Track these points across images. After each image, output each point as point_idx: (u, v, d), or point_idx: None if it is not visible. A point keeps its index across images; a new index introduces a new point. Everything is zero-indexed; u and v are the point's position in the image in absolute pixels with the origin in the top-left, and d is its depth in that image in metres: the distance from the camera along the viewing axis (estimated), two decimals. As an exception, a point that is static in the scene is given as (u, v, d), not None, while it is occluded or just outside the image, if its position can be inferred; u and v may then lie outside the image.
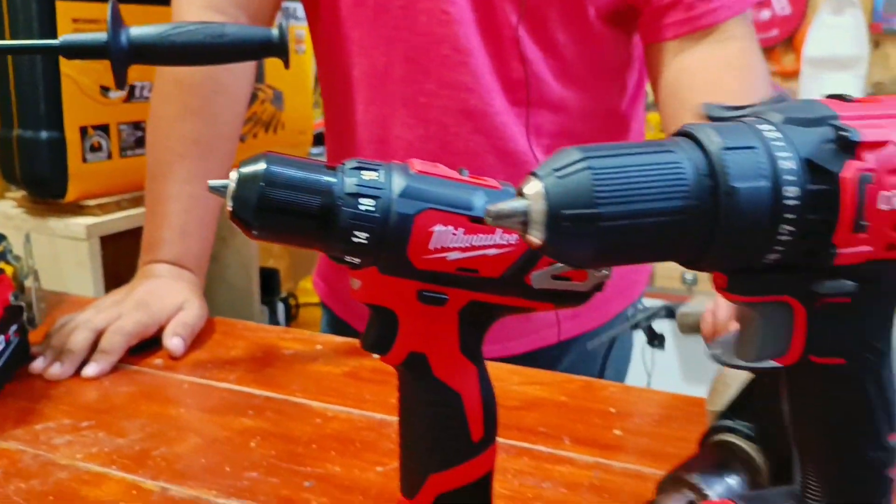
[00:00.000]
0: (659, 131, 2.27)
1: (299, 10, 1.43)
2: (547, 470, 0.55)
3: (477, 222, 0.41)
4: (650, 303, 1.05)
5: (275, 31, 0.66)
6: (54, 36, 0.62)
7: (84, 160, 1.16)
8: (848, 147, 0.30)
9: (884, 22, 2.23)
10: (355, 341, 0.77)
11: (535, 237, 0.30)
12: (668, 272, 2.19)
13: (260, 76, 1.40)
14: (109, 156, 1.19)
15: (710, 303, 0.75)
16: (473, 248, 0.42)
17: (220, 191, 0.41)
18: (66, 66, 1.10)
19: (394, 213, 0.40)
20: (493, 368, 0.72)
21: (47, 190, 1.17)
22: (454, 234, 0.41)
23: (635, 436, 0.60)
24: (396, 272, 0.42)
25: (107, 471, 0.56)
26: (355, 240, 0.40)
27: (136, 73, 1.19)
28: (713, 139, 0.30)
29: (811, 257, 0.31)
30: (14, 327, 0.72)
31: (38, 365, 0.73)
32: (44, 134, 1.13)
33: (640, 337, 1.08)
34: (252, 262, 1.47)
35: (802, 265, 0.32)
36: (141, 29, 0.65)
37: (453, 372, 0.44)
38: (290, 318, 1.70)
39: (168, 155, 0.88)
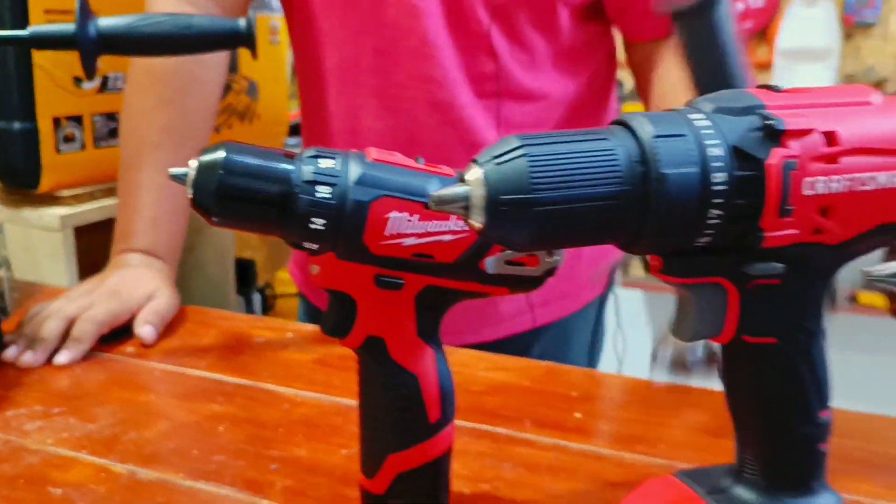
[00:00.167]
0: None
1: (274, 0, 1.43)
2: (507, 451, 0.56)
3: (431, 209, 0.43)
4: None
5: (242, 22, 0.67)
6: (26, 27, 0.63)
7: (57, 151, 1.16)
8: (773, 135, 0.32)
9: (855, 14, 2.26)
10: (325, 329, 0.78)
11: (476, 221, 0.31)
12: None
13: (234, 67, 1.40)
14: (83, 146, 1.19)
15: None
16: (428, 234, 0.43)
17: (180, 179, 0.42)
18: (39, 57, 1.10)
19: (350, 200, 0.42)
20: (460, 354, 0.74)
21: (21, 180, 1.17)
22: (409, 221, 0.43)
23: (595, 419, 0.62)
24: (353, 258, 0.43)
25: (77, 455, 0.57)
26: (312, 226, 0.42)
27: (109, 63, 1.19)
28: (645, 127, 0.31)
29: (741, 240, 0.33)
30: (-15, 316, 0.73)
31: (10, 353, 0.74)
32: (16, 125, 1.13)
33: (609, 323, 1.10)
34: (228, 252, 1.47)
35: (733, 248, 0.33)
36: (109, 20, 0.65)
37: (410, 355, 0.45)
38: (267, 309, 1.70)
39: (141, 145, 0.88)
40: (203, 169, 0.42)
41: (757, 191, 0.32)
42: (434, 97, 0.84)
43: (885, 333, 2.60)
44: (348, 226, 0.42)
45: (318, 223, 0.41)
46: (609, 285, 1.07)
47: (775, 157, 0.31)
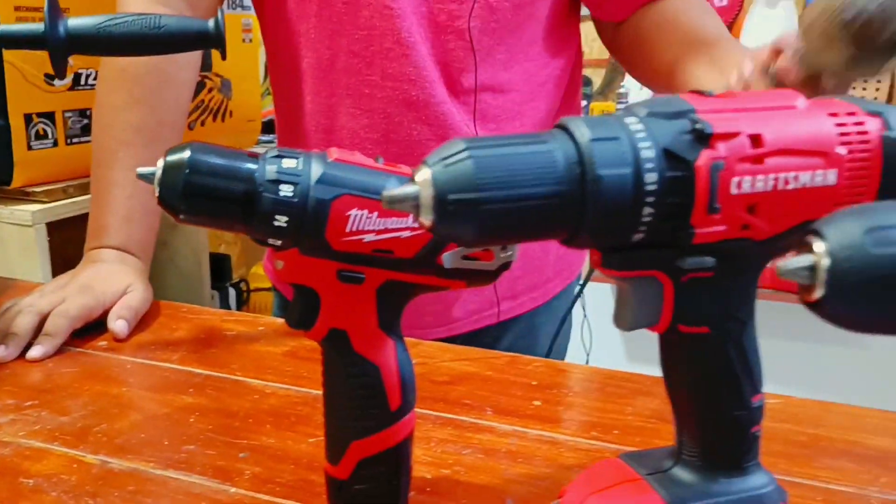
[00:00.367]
0: (603, 118, 2.34)
1: (246, -2, 1.44)
2: (468, 438, 0.59)
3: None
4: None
5: (211, 23, 0.69)
6: (-4, 24, 0.64)
7: (29, 147, 1.16)
8: (702, 138, 0.34)
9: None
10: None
11: (426, 219, 0.33)
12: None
13: (207, 65, 1.41)
14: (55, 143, 1.20)
15: None
16: (388, 230, 0.45)
17: (148, 178, 0.44)
18: (9, 55, 1.11)
19: (312, 198, 0.44)
20: (426, 346, 0.76)
21: (-8, 177, 1.18)
22: (369, 218, 0.45)
23: (553, 406, 0.64)
24: (316, 253, 0.45)
25: (49, 446, 0.59)
26: (276, 223, 0.43)
27: (81, 60, 1.20)
28: (582, 131, 0.34)
29: (673, 236, 0.35)
30: (-42, 311, 0.74)
31: (-18, 348, 0.75)
32: (-13, 122, 1.13)
33: (577, 317, 1.12)
34: (202, 247, 1.48)
35: (666, 243, 0.35)
36: (78, 20, 0.67)
37: (372, 346, 0.47)
38: (242, 304, 1.72)
39: (113, 143, 0.89)
40: (169, 168, 0.43)
41: (687, 190, 0.34)
42: (408, 95, 0.86)
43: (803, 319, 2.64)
44: (310, 223, 0.44)
45: (281, 220, 0.43)
46: (577, 278, 1.10)
47: (704, 159, 0.34)
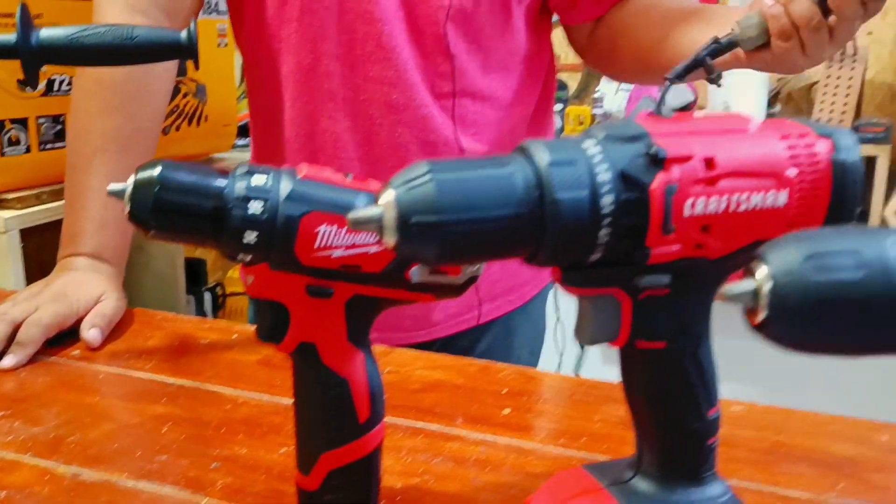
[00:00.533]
0: (577, 124, 2.34)
1: (221, 3, 1.44)
2: (439, 446, 0.60)
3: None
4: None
5: (183, 34, 0.69)
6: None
7: (2, 153, 1.16)
8: (657, 162, 0.35)
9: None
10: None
11: (389, 240, 0.34)
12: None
13: (182, 70, 1.41)
14: (28, 149, 1.19)
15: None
16: (356, 246, 0.46)
17: (118, 194, 0.45)
18: (-18, 60, 1.11)
19: (281, 214, 0.44)
20: (398, 354, 0.77)
21: (-35, 183, 1.18)
22: (338, 234, 0.45)
23: (522, 413, 0.65)
24: (285, 268, 0.46)
25: (21, 458, 0.59)
26: (245, 240, 0.44)
27: (54, 66, 1.19)
28: (541, 155, 0.35)
29: (630, 256, 0.36)
30: (-71, 321, 0.74)
31: (-45, 357, 0.75)
32: (-40, 127, 1.13)
33: (551, 318, 1.14)
34: (177, 252, 1.48)
35: (624, 262, 0.37)
36: (51, 30, 0.67)
37: (341, 359, 0.48)
38: (218, 308, 1.72)
39: (88, 150, 0.89)
40: (140, 185, 0.44)
41: (642, 212, 0.35)
42: (389, 98, 0.87)
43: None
44: (280, 239, 0.44)
45: (250, 237, 0.44)
46: (551, 282, 1.11)
47: (658, 182, 0.35)
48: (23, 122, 1.18)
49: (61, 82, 1.21)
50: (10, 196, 1.20)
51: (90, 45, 0.68)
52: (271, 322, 0.48)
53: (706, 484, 0.41)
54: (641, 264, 0.36)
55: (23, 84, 1.16)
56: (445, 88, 0.89)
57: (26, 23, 0.65)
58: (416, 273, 0.47)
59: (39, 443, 0.61)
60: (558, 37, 1.02)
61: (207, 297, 1.63)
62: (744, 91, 2.12)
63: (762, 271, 0.27)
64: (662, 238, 0.36)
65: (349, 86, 0.88)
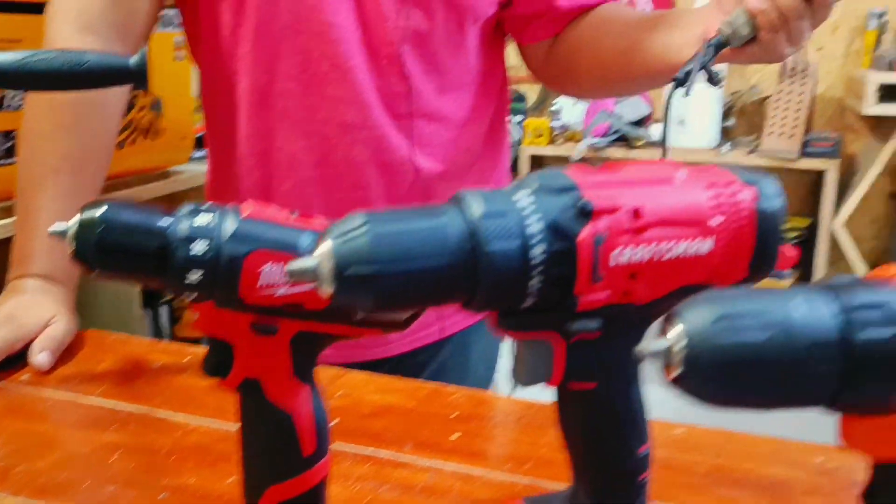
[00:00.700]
0: (536, 136, 2.37)
1: (178, 16, 1.43)
2: (386, 474, 0.61)
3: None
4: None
5: (133, 60, 0.69)
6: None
7: (-48, 169, 1.15)
8: (585, 213, 0.36)
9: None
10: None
11: (326, 290, 0.35)
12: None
13: (138, 83, 1.40)
14: (-21, 164, 1.18)
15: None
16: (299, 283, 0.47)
17: (61, 234, 0.45)
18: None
19: (225, 254, 0.45)
20: (351, 377, 0.78)
21: (-86, 198, 1.16)
22: (281, 273, 0.46)
23: (471, 438, 0.66)
24: (230, 306, 0.46)
25: (-34, 489, 0.59)
26: (189, 279, 0.45)
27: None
28: (475, 206, 0.36)
29: (561, 303, 0.37)
30: None
31: None
32: None
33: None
34: (134, 266, 1.47)
35: (555, 308, 0.38)
36: (0, 55, 0.67)
37: (286, 395, 0.49)
38: (174, 322, 1.71)
39: (39, 170, 0.89)
40: (84, 225, 0.45)
41: (571, 262, 0.36)
42: (345, 118, 0.88)
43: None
44: (223, 278, 0.45)
45: (194, 276, 0.45)
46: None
47: (586, 233, 0.36)
48: (-27, 139, 1.17)
49: (13, 96, 1.19)
50: (-39, 212, 1.19)
51: (39, 70, 0.68)
52: (216, 358, 0.49)
53: (638, 517, 0.43)
54: (572, 310, 0.38)
55: (-27, 100, 1.15)
56: (401, 108, 0.90)
57: (-27, 49, 0.65)
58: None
59: (-15, 473, 0.61)
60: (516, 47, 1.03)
61: (164, 311, 1.62)
62: (699, 105, 2.16)
63: (676, 330, 0.29)
64: (591, 286, 0.37)
65: (305, 105, 0.88)
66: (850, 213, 2.55)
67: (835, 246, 2.59)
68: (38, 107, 0.90)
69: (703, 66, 0.73)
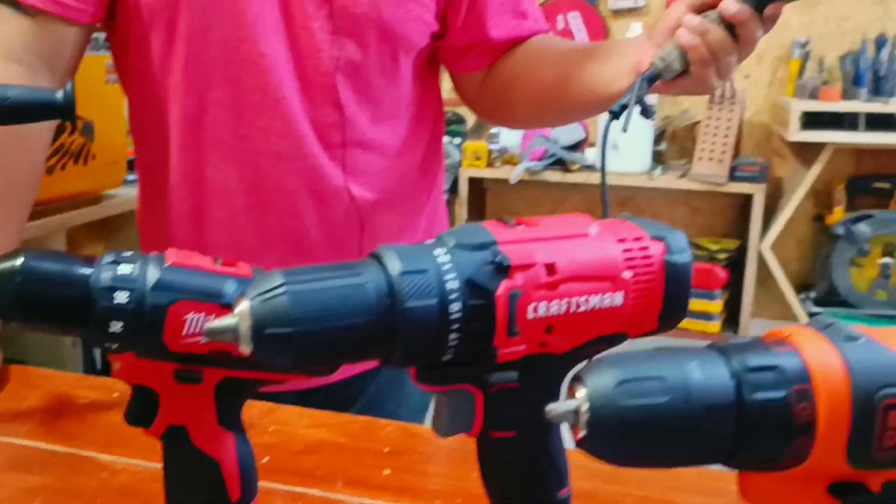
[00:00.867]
0: (475, 159, 2.40)
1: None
2: (316, 514, 0.61)
3: (226, 309, 0.46)
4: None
5: (59, 94, 0.68)
6: None
7: None
8: (502, 269, 0.38)
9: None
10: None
11: (244, 349, 0.35)
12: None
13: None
14: None
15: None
16: (225, 331, 0.47)
17: (-22, 285, 0.44)
18: None
19: (148, 304, 0.45)
20: (283, 412, 0.77)
21: None
22: (206, 321, 0.46)
23: (401, 474, 0.67)
24: (153, 356, 0.46)
25: None
26: (111, 329, 0.44)
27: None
28: (393, 264, 0.37)
29: (479, 356, 0.38)
30: None
31: None
32: None
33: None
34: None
35: (474, 361, 0.39)
36: (-80, 90, 0.65)
37: (211, 441, 0.49)
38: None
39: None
40: (1, 276, 0.44)
41: (488, 317, 0.37)
42: (277, 148, 0.87)
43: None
44: (147, 328, 0.45)
45: (116, 326, 0.44)
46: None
47: (503, 289, 0.37)
48: None
49: (-65, 123, 1.16)
50: None
51: (-41, 106, 0.67)
52: (139, 406, 0.48)
53: (558, 560, 0.44)
54: (490, 363, 0.39)
55: None
56: (335, 138, 0.90)
57: None
58: (285, 356, 0.48)
59: None
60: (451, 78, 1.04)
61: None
62: (632, 130, 2.21)
63: (581, 393, 0.30)
64: (508, 340, 0.38)
65: (236, 135, 0.88)
66: (777, 235, 2.64)
67: (763, 266, 2.67)
68: (-40, 137, 0.88)
69: (639, 101, 0.75)
